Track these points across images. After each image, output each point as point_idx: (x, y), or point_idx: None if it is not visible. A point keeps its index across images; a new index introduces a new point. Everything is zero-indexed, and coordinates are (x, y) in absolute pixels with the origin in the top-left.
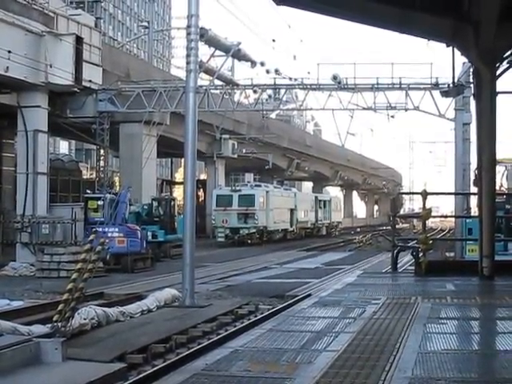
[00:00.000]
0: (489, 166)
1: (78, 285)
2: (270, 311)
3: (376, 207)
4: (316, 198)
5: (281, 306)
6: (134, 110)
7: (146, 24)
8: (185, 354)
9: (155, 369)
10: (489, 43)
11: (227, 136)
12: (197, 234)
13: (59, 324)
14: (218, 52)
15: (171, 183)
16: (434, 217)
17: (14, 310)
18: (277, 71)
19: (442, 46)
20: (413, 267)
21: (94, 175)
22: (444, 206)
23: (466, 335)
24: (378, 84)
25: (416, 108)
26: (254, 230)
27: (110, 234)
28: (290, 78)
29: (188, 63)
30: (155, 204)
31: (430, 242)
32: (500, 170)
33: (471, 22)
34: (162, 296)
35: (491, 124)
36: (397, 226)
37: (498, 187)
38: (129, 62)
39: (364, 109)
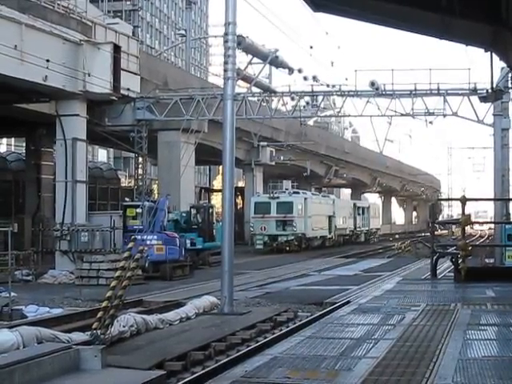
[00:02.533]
0: None
1: (117, 292)
2: (309, 318)
3: (414, 213)
4: (354, 204)
5: (320, 313)
6: (172, 118)
7: (183, 32)
8: (224, 361)
9: (194, 376)
10: None
11: (265, 143)
12: (235, 241)
13: (98, 331)
14: (255, 59)
15: (209, 191)
16: (474, 223)
17: (54, 318)
18: (314, 78)
19: (480, 51)
20: (452, 274)
21: (132, 183)
22: (492, 209)
23: (507, 342)
24: (415, 90)
25: (454, 114)
26: (293, 237)
27: (148, 242)
28: (328, 85)
29: (226, 71)
30: (194, 211)
31: (470, 248)
32: None
33: (509, 27)
34: (201, 303)
35: None
36: (436, 233)
37: None
38: (166, 70)
39: (402, 115)
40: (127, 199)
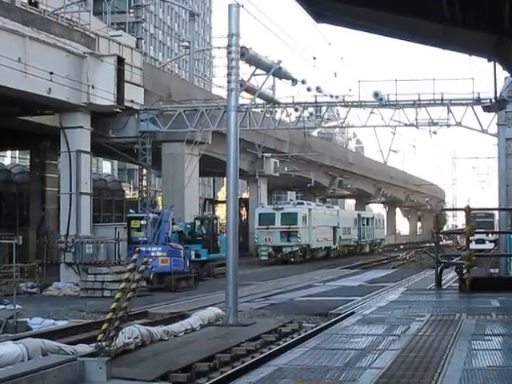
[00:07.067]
0: None
1: (121, 304)
2: (314, 329)
3: (419, 224)
4: (359, 215)
5: (324, 324)
6: (175, 130)
7: (186, 44)
8: (229, 372)
9: None
10: None
11: (269, 154)
12: (240, 252)
13: (103, 343)
14: (258, 70)
15: (214, 202)
16: (478, 232)
17: (59, 330)
18: (318, 89)
19: (483, 61)
20: (457, 284)
21: (136, 195)
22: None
23: None
24: (419, 100)
25: (458, 124)
26: (297, 248)
27: (153, 254)
28: (332, 96)
29: (229, 82)
30: (198, 223)
31: (474, 258)
32: None
33: None
34: (206, 315)
35: None
36: (440, 243)
37: None
38: (170, 82)
39: (406, 125)
40: (132, 211)
